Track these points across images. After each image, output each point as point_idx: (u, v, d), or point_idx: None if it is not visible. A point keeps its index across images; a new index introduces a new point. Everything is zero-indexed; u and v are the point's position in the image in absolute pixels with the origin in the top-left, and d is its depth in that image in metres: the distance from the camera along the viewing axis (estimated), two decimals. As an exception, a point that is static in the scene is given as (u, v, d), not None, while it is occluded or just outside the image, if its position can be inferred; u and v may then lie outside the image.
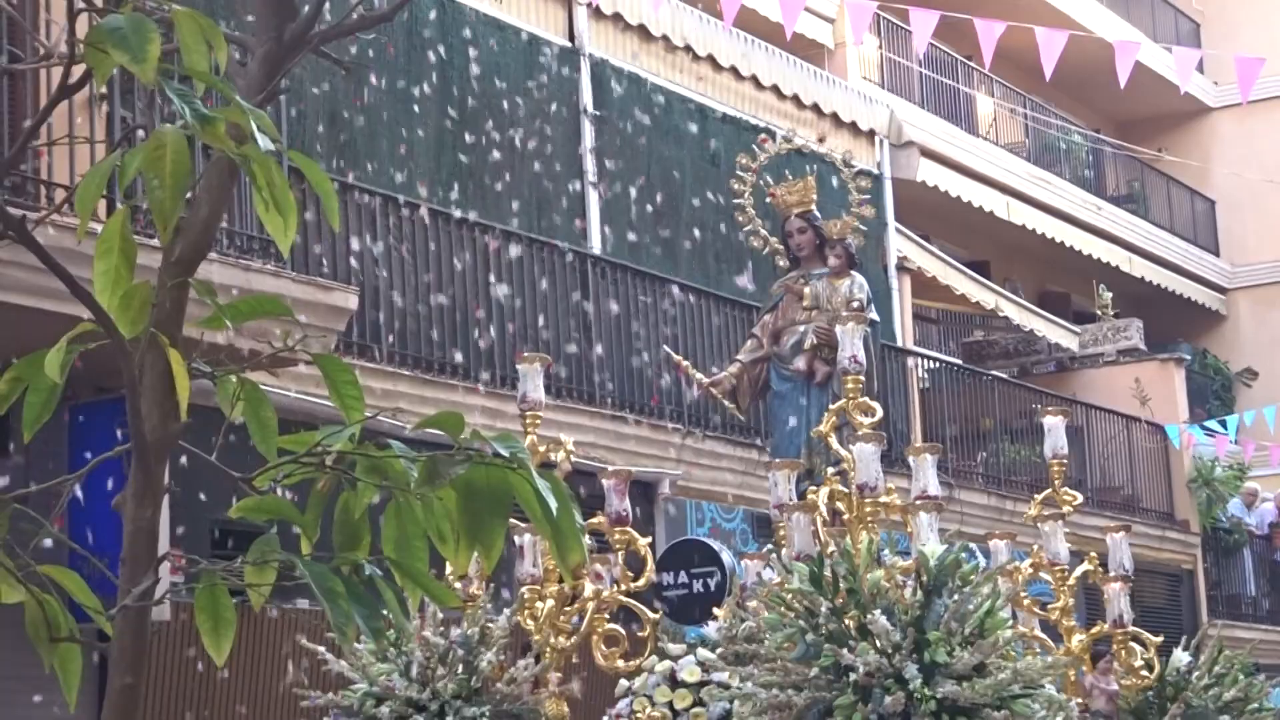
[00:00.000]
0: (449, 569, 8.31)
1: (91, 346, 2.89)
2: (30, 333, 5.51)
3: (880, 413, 9.55)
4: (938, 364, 22.08)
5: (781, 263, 11.24)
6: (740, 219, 11.15)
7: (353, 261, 13.23)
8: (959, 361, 23.50)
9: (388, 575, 2.91)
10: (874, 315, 11.08)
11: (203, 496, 10.44)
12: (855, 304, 10.71)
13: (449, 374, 13.88)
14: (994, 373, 23.43)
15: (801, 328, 10.92)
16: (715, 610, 9.67)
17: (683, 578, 13.87)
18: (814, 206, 11.13)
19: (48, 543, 3.08)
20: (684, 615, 12.85)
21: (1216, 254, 31.65)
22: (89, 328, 2.88)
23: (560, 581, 8.82)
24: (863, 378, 9.57)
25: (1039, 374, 25.11)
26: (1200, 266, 30.83)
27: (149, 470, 2.94)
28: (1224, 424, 25.05)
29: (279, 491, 3.01)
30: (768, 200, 11.24)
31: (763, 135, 11.99)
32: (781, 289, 11.17)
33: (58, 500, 3.14)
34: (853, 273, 11.02)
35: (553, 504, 2.82)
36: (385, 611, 2.89)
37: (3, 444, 10.82)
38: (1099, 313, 26.36)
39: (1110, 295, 26.33)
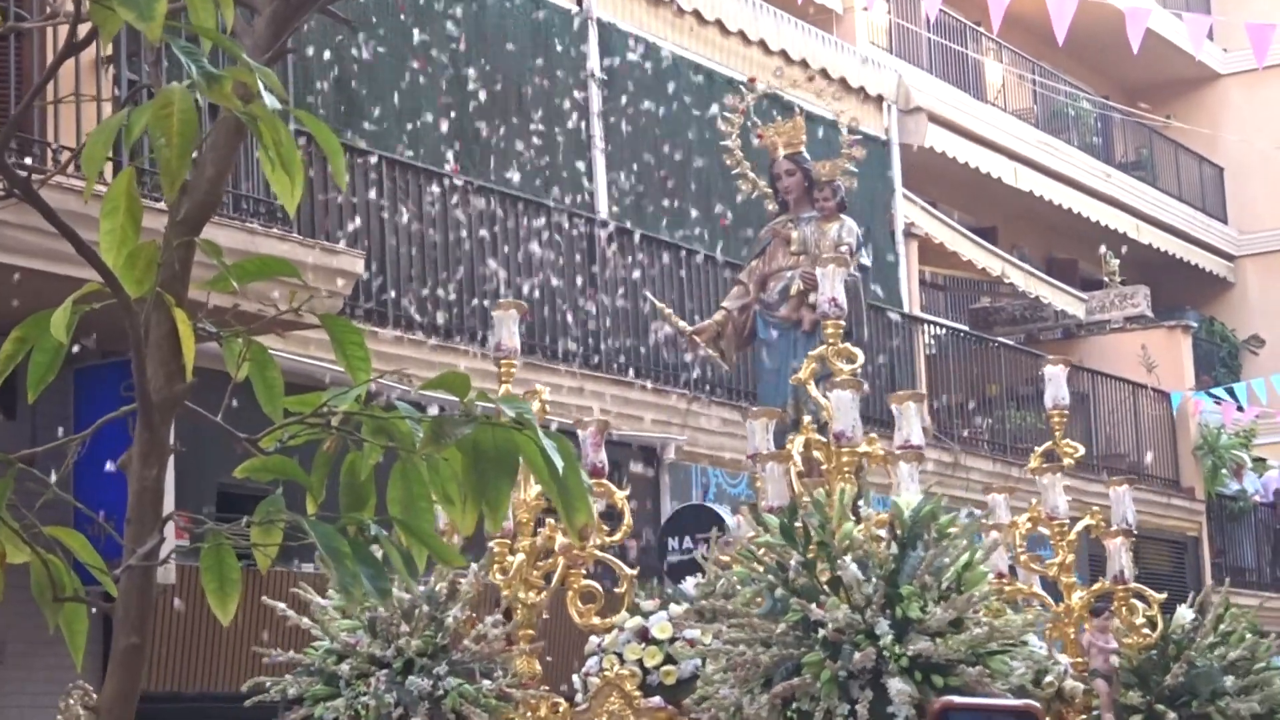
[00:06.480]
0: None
1: (97, 306, 2.88)
2: (35, 295, 5.51)
3: (861, 358, 8.96)
4: (944, 330, 22.05)
5: (770, 207, 10.80)
6: (728, 161, 10.70)
7: (358, 224, 13.21)
8: (965, 328, 23.47)
9: (393, 536, 2.90)
10: (865, 260, 10.65)
11: (204, 458, 10.39)
12: (844, 248, 10.18)
13: (454, 338, 13.86)
14: (1000, 339, 23.40)
15: (789, 273, 10.45)
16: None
17: (688, 543, 13.91)
18: (804, 148, 10.80)
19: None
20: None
21: (1224, 221, 31.55)
22: (95, 288, 2.87)
23: (532, 535, 8.42)
24: (843, 322, 9.00)
25: (1046, 340, 25.08)
26: (1208, 233, 30.74)
27: (154, 430, 2.93)
28: (1231, 391, 25.00)
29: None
30: (754, 142, 10.89)
31: (751, 75, 11.69)
32: (769, 233, 10.79)
33: (63, 462, 3.13)
34: (843, 216, 10.53)
35: (559, 465, 2.81)
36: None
37: (9, 406, 10.81)
38: (1106, 279, 26.29)
39: (1117, 262, 26.27)
